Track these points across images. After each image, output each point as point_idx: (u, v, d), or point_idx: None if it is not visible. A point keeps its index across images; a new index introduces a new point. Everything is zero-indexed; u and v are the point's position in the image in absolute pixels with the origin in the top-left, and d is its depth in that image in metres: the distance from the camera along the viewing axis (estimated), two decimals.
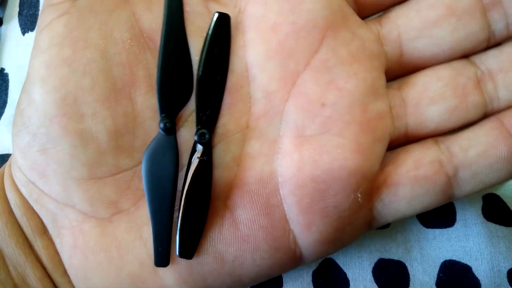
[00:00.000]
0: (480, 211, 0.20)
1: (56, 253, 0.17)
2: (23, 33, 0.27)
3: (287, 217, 0.17)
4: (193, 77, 0.17)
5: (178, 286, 0.17)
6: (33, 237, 0.17)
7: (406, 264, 0.20)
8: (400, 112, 0.18)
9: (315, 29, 0.17)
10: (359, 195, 0.17)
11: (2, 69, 0.28)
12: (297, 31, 0.17)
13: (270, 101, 0.17)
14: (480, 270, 0.19)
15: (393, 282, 0.20)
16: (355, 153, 0.17)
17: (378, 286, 0.20)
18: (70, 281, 0.17)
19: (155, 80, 0.16)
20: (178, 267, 0.17)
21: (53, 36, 0.16)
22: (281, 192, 0.17)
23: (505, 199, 0.21)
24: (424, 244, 0.20)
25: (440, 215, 0.21)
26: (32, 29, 0.27)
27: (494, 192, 0.21)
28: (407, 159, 0.17)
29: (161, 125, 0.16)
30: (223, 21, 0.17)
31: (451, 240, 0.20)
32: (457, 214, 0.20)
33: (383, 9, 0.19)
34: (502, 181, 0.17)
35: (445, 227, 0.20)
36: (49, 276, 0.17)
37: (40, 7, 0.26)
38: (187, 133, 0.17)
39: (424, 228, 0.21)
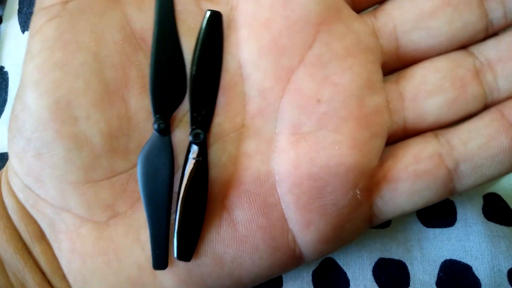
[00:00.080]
0: (480, 211, 0.20)
1: (54, 258, 0.17)
2: (23, 31, 0.27)
3: (286, 216, 0.17)
4: (187, 76, 0.16)
5: None
6: (31, 242, 0.17)
7: (407, 264, 0.20)
8: (397, 106, 0.17)
9: (309, 24, 0.17)
10: (358, 192, 0.16)
11: (2, 67, 0.27)
12: (290, 26, 0.17)
13: (265, 98, 0.17)
14: (481, 269, 0.19)
15: (393, 282, 0.20)
16: (352, 149, 0.16)
17: (378, 286, 0.20)
18: (69, 286, 0.17)
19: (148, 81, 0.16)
20: (176, 270, 0.16)
21: (45, 40, 0.16)
22: (278, 191, 0.17)
23: (505, 199, 0.20)
24: (425, 243, 0.20)
25: (440, 215, 0.20)
26: None
27: (494, 191, 0.21)
28: (406, 153, 0.17)
29: (155, 126, 0.16)
30: (215, 19, 0.16)
31: (452, 240, 0.20)
32: (457, 213, 0.20)
33: (378, 2, 0.19)
34: (504, 174, 0.17)
35: (446, 227, 0.20)
36: (48, 281, 0.17)
37: None
38: (182, 134, 0.17)
39: (425, 228, 0.20)
